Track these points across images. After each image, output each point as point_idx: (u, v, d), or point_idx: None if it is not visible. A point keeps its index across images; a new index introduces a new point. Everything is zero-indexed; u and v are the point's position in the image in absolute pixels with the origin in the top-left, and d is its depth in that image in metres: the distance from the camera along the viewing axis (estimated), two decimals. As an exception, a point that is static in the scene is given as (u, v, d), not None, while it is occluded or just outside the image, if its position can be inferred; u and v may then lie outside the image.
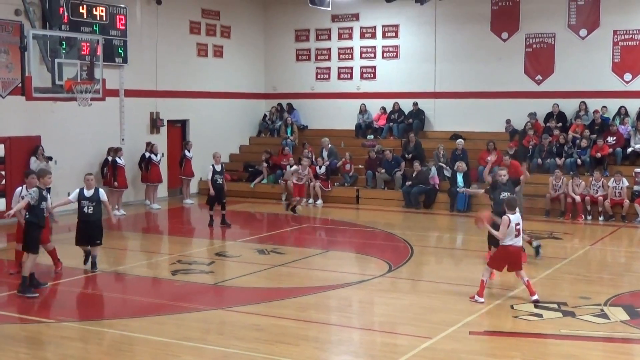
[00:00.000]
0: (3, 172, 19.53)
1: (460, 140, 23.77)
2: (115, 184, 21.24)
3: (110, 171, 21.45)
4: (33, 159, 19.62)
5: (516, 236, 11.51)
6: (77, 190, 13.72)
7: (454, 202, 22.16)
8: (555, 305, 11.50)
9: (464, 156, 23.23)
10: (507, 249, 11.56)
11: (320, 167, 24.24)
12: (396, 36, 26.76)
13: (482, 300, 11.58)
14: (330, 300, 12.32)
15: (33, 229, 12.31)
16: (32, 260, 12.25)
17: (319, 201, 23.66)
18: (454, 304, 11.49)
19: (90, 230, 13.75)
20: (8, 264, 14.44)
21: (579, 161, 22.06)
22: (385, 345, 9.95)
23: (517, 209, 11.71)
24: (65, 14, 19.00)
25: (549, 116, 24.07)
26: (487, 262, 12.26)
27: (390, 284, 13.21)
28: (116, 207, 20.80)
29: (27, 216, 12.30)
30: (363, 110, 26.90)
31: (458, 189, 22.11)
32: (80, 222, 13.83)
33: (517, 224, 11.51)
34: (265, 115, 28.69)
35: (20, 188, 13.30)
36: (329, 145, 25.18)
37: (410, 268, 14.61)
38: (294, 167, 22.62)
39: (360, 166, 24.86)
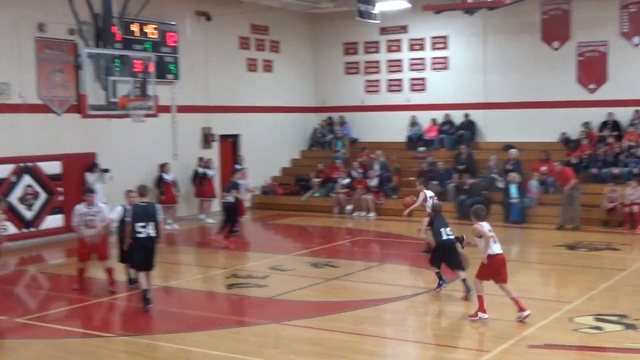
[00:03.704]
0: (60, 189, 19.89)
1: (513, 150, 23.50)
2: (163, 198, 21.40)
3: (158, 187, 21.68)
4: (88, 174, 19.97)
5: (495, 242, 11.20)
6: (120, 207, 13.28)
7: (508, 213, 21.90)
8: (616, 318, 11.28)
9: (517, 167, 22.97)
10: (494, 259, 11.20)
11: (372, 180, 24.18)
12: (445, 47, 26.63)
13: (485, 316, 11.21)
14: (386, 313, 12.25)
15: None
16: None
17: (372, 214, 23.60)
18: (511, 316, 11.32)
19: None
20: (69, 279, 14.67)
21: (635, 170, 21.65)
22: None
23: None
24: (118, 32, 19.30)
25: (603, 125, 23.69)
26: (476, 274, 11.55)
27: (445, 297, 13.09)
28: (170, 221, 21.02)
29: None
30: (414, 122, 26.80)
31: (511, 200, 21.86)
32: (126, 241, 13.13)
33: (491, 230, 11.28)
34: (315, 129, 28.76)
35: (79, 206, 13.66)
36: (381, 159, 25.10)
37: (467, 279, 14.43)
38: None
39: (411, 178, 24.73)
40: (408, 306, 12.58)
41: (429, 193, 16.82)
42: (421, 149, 26.29)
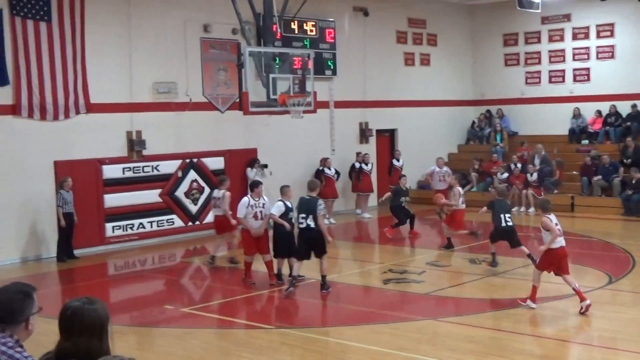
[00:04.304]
0: (223, 184, 20.57)
1: (685, 143, 22.26)
2: (324, 192, 21.65)
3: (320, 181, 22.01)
4: (249, 169, 20.60)
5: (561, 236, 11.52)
6: (281, 202, 13.61)
7: (679, 209, 20.78)
8: None
9: (690, 160, 21.72)
10: (555, 252, 11.48)
11: (531, 175, 23.54)
12: (611, 35, 25.51)
13: (534, 305, 11.51)
14: (546, 312, 11.90)
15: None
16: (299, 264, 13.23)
17: (532, 209, 22.98)
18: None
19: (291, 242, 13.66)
20: (230, 271, 15.20)
21: None
22: (606, 362, 9.50)
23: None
24: (279, 30, 19.75)
25: None
26: (536, 265, 12.04)
27: (610, 297, 12.59)
28: (327, 216, 21.32)
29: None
30: (577, 114, 25.86)
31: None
32: (277, 234, 13.69)
33: (557, 224, 11.52)
34: (473, 122, 28.33)
35: (247, 198, 14.01)
36: (542, 153, 24.38)
37: (633, 280, 13.83)
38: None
39: (574, 172, 23.90)
40: (569, 305, 12.15)
41: (461, 190, 17.36)
42: (584, 142, 25.35)
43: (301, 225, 13.00)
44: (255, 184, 14.22)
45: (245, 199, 14.03)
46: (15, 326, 3.98)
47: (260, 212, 13.81)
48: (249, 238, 13.93)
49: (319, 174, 22.14)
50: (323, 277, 13.17)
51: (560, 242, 11.51)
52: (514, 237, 14.51)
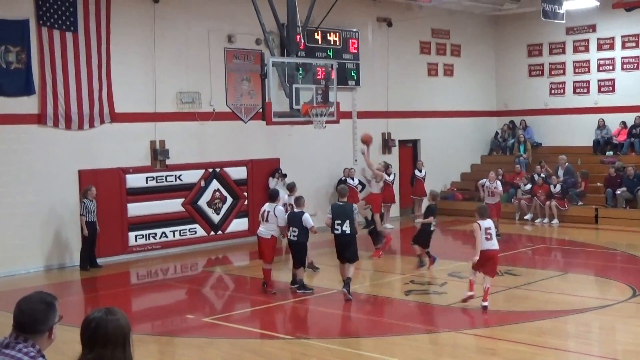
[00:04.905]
0: (246, 193, 20.67)
1: None
2: None
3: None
4: (270, 179, 20.66)
5: (488, 239, 12.34)
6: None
7: None
8: None
9: None
10: (485, 253, 12.30)
11: (555, 186, 23.39)
12: (637, 46, 25.33)
13: (470, 293, 12.57)
14: (569, 325, 11.83)
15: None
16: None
17: (555, 221, 22.83)
18: None
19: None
20: (252, 281, 15.25)
21: None
22: (630, 377, 9.41)
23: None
24: (302, 41, 19.82)
25: None
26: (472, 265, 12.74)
27: (635, 310, 12.47)
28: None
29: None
30: (601, 125, 25.69)
31: None
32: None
33: (488, 229, 12.39)
34: (497, 133, 28.22)
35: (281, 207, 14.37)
36: (566, 164, 24.22)
37: (657, 293, 13.69)
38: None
39: (599, 184, 23.72)
40: (592, 318, 12.07)
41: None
42: (609, 153, 25.16)
43: (336, 232, 13.47)
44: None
45: (280, 207, 14.24)
46: (38, 336, 4.03)
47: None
48: (272, 245, 14.14)
49: (341, 184, 22.13)
50: (348, 278, 13.42)
51: (489, 245, 12.34)
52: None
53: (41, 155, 17.06)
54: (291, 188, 16.74)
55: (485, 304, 12.25)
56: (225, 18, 20.26)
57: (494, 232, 12.61)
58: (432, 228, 15.86)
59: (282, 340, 11.21)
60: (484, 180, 20.76)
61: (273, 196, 14.52)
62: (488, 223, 12.55)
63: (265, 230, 14.07)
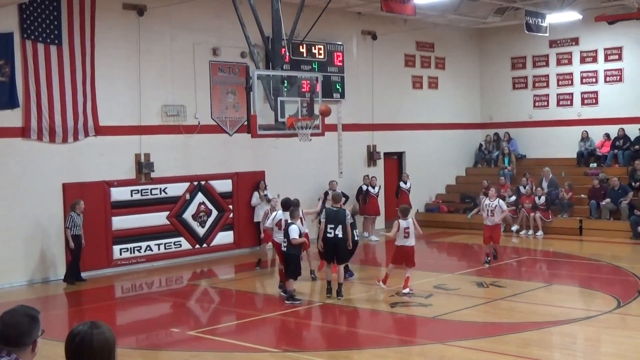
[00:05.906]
0: (231, 206, 20.63)
1: (694, 167, 22.17)
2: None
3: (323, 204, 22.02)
4: (255, 193, 20.64)
5: (405, 237, 14.33)
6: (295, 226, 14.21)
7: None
8: None
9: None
10: (400, 249, 14.43)
11: (539, 198, 23.49)
12: (619, 59, 25.55)
13: (384, 286, 14.51)
14: (554, 336, 11.87)
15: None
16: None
17: (539, 232, 22.92)
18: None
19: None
20: (238, 294, 15.21)
21: None
22: (615, 387, 9.43)
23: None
24: (287, 54, 19.87)
25: None
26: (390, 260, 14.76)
27: (619, 321, 12.52)
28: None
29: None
30: (585, 138, 25.85)
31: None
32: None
33: (407, 228, 14.29)
34: (481, 145, 28.35)
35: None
36: (550, 176, 24.34)
37: (642, 304, 13.76)
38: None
39: (582, 196, 23.84)
40: (578, 330, 12.11)
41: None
42: (592, 165, 25.32)
43: (329, 235, 14.17)
44: (292, 206, 14.65)
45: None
46: (22, 349, 4.01)
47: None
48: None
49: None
50: (339, 284, 14.17)
51: (405, 242, 14.40)
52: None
53: (25, 168, 16.97)
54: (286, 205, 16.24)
55: (405, 291, 14.26)
56: (210, 31, 20.27)
57: (412, 231, 14.35)
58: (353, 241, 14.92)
59: (268, 353, 11.17)
60: (483, 197, 19.55)
61: (287, 205, 14.77)
62: (407, 223, 14.38)
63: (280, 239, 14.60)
